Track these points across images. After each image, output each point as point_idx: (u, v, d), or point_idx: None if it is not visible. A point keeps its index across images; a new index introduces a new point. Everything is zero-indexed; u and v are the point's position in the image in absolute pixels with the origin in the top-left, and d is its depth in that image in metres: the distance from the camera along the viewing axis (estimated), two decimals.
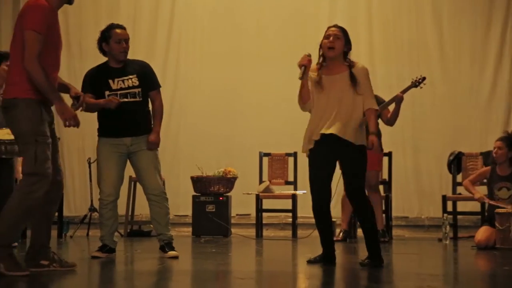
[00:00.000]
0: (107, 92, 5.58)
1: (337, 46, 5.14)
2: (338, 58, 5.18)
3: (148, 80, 5.67)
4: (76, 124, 4.48)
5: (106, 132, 5.65)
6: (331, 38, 5.15)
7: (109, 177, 5.59)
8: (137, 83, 5.61)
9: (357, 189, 5.11)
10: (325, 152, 5.10)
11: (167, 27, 9.85)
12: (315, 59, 5.23)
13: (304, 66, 5.13)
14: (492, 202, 6.96)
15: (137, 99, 5.60)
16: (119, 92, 5.57)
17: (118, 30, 5.63)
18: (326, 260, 5.17)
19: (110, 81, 5.60)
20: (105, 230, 5.63)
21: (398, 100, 7.28)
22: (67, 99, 4.69)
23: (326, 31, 5.22)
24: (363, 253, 5.33)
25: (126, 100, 5.56)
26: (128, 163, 5.71)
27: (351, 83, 5.11)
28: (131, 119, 5.58)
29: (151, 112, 5.73)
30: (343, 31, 5.20)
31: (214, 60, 9.67)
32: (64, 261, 4.59)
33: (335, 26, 5.24)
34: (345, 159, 5.12)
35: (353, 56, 5.31)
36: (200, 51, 9.79)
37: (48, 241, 4.57)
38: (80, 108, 4.75)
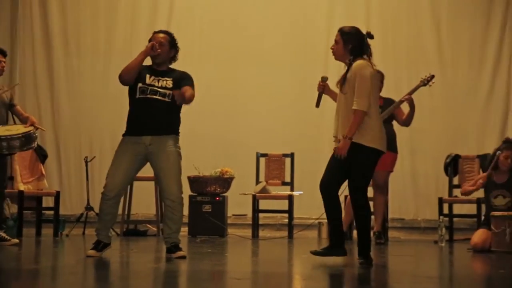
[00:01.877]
0: (139, 84, 5.60)
1: (335, 50, 5.34)
2: (345, 60, 5.32)
3: (182, 82, 5.65)
4: None
5: (129, 129, 5.65)
6: (332, 44, 5.36)
7: (116, 172, 5.56)
8: (170, 85, 5.61)
9: (355, 188, 5.21)
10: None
11: (165, 27, 9.81)
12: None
13: (320, 92, 5.41)
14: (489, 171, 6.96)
15: (166, 99, 5.59)
16: (150, 88, 5.58)
17: (155, 35, 5.71)
18: (337, 250, 5.26)
19: (147, 75, 5.63)
20: (101, 223, 5.63)
21: (409, 101, 7.31)
22: None
23: None
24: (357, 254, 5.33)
25: (154, 97, 5.56)
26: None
27: (342, 82, 5.26)
28: (154, 116, 5.56)
29: (179, 119, 5.74)
30: (342, 33, 5.32)
31: (212, 60, 9.66)
32: None
33: (338, 30, 5.36)
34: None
35: None
36: (198, 51, 9.76)
37: None
38: None
